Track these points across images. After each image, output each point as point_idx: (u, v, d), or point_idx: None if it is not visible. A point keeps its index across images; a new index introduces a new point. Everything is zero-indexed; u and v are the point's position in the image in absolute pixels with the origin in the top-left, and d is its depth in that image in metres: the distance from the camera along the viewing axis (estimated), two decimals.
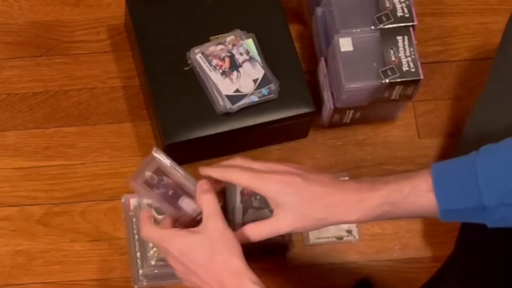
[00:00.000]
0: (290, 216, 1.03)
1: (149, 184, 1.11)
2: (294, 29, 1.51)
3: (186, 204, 1.10)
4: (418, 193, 0.98)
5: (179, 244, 1.04)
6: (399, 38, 1.37)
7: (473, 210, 0.96)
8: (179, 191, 1.11)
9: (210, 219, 1.03)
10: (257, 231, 1.05)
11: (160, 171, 1.12)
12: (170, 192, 1.11)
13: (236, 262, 1.01)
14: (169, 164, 1.11)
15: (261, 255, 1.40)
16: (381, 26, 1.38)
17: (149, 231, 1.08)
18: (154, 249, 1.34)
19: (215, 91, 1.37)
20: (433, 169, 0.99)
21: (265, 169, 1.06)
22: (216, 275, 1.01)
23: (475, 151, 0.99)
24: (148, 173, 1.11)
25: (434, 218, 1.00)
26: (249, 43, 1.40)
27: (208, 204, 1.04)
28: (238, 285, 1.00)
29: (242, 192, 1.39)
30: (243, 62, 1.39)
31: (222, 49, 1.39)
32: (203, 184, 1.07)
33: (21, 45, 1.52)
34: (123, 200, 1.41)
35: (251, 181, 1.05)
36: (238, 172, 1.05)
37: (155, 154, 1.12)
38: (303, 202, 1.03)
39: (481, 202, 0.95)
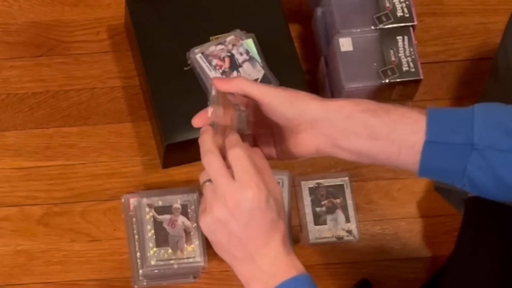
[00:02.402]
0: (278, 97, 0.96)
1: None
2: (294, 29, 1.51)
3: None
4: (411, 109, 0.92)
5: (237, 197, 0.89)
6: (399, 38, 1.37)
7: (460, 147, 0.89)
8: None
9: (244, 185, 0.89)
10: (243, 83, 0.96)
11: None
12: None
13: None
14: None
15: None
16: (381, 26, 1.38)
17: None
18: (154, 249, 1.34)
19: None
20: (427, 107, 0.93)
21: None
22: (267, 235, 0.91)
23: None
24: None
25: (409, 158, 0.92)
26: (249, 43, 1.40)
27: (239, 164, 0.90)
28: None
29: None
30: (243, 62, 1.39)
31: (222, 49, 1.39)
32: (232, 137, 0.93)
33: (21, 45, 1.51)
34: (123, 200, 1.41)
35: (243, 79, 0.98)
36: (234, 78, 1.01)
37: None
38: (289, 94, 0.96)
39: (471, 139, 0.89)
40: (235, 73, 1.38)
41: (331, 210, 1.44)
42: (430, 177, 0.94)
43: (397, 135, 0.92)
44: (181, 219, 1.36)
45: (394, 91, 1.38)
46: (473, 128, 0.89)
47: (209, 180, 0.92)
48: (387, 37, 1.37)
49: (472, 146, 0.89)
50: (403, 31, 1.38)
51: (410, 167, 0.93)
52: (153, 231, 1.35)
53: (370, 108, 0.92)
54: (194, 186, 1.39)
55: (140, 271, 1.36)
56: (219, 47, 1.40)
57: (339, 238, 1.43)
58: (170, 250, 1.34)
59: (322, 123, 0.94)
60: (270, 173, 0.93)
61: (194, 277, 1.38)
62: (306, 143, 0.96)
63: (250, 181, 0.89)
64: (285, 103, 0.95)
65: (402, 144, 0.92)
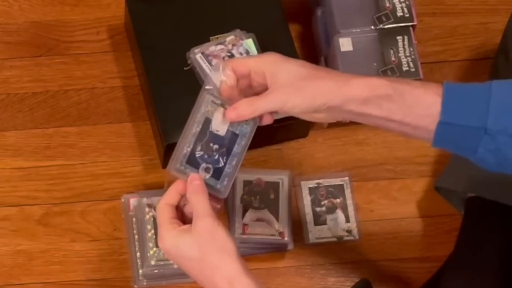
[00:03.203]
0: (287, 85, 0.96)
1: None
2: (294, 29, 1.51)
3: None
4: (427, 90, 0.91)
5: (166, 242, 0.98)
6: (399, 38, 1.37)
7: (472, 130, 0.89)
8: None
9: (199, 219, 0.96)
10: (251, 105, 0.98)
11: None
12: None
13: (229, 264, 0.95)
14: None
15: (261, 255, 1.40)
16: (381, 26, 1.38)
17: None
18: (154, 249, 1.34)
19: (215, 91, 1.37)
20: (445, 82, 0.92)
21: None
22: (208, 278, 0.95)
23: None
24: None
25: (424, 133, 0.92)
26: (249, 43, 1.40)
27: (197, 202, 0.97)
28: None
29: (242, 195, 1.40)
30: None
31: (222, 49, 1.39)
32: (193, 180, 0.99)
33: (21, 45, 1.52)
34: (123, 200, 1.41)
35: (252, 58, 1.01)
36: (236, 59, 1.02)
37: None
38: (302, 70, 0.97)
39: (485, 123, 0.89)
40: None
41: (331, 210, 1.44)
42: (444, 149, 0.95)
43: (411, 119, 0.92)
44: None
45: None
46: (488, 112, 0.89)
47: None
48: (387, 37, 1.37)
49: (485, 130, 0.89)
50: (403, 31, 1.38)
51: (424, 140, 0.94)
52: (153, 231, 1.35)
53: (386, 93, 0.93)
54: None
55: (140, 271, 1.36)
56: (219, 47, 1.40)
57: (339, 238, 1.43)
58: None
59: (337, 109, 0.95)
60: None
61: None
62: (319, 119, 0.99)
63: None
64: (297, 98, 0.96)
65: (416, 126, 0.92)
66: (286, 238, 1.38)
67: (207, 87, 1.01)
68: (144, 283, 1.36)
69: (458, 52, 1.56)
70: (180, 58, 1.39)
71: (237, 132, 0.99)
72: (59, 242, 1.41)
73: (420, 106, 0.91)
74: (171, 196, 1.00)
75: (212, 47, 1.39)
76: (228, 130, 0.99)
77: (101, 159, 1.46)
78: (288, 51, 1.42)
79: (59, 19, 1.54)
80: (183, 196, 0.99)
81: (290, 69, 0.96)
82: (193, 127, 0.98)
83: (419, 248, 1.44)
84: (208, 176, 0.98)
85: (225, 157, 0.98)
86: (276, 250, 1.41)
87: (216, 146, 0.98)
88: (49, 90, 1.49)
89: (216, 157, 0.98)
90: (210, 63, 1.38)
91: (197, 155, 0.98)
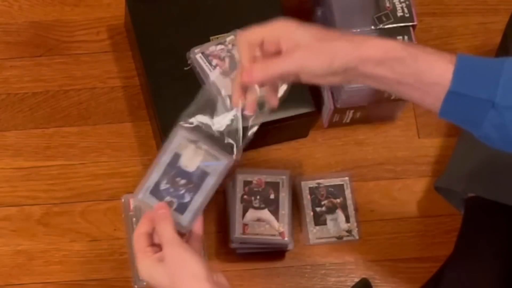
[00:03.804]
0: (304, 47, 0.94)
1: None
2: None
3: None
4: (440, 57, 0.91)
5: (143, 272, 0.99)
6: (399, 38, 1.37)
7: (480, 102, 0.89)
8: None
9: (166, 248, 0.96)
10: (265, 68, 0.96)
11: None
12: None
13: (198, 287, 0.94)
14: None
15: (261, 255, 1.40)
16: (381, 26, 1.38)
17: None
18: None
19: (215, 91, 1.37)
20: (458, 53, 0.92)
21: None
22: None
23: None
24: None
25: (432, 100, 0.92)
26: None
27: (164, 232, 0.97)
28: None
29: (242, 195, 1.40)
30: None
31: (222, 49, 1.39)
32: (159, 209, 0.99)
33: (21, 45, 1.52)
34: (123, 200, 1.41)
35: (262, 28, 0.97)
36: (247, 31, 0.98)
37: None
38: (317, 32, 0.94)
39: (493, 97, 0.88)
40: (235, 73, 1.38)
41: (331, 210, 1.44)
42: (449, 121, 0.94)
43: (423, 84, 0.92)
44: None
45: None
46: (498, 86, 0.88)
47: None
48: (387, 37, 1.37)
49: (492, 104, 0.88)
50: (403, 31, 1.38)
51: (431, 108, 0.93)
52: None
53: (400, 56, 0.92)
54: None
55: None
56: (219, 47, 1.40)
57: (339, 238, 1.43)
58: None
59: (353, 71, 0.94)
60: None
61: None
62: (333, 82, 0.97)
63: None
64: (316, 60, 0.94)
65: (426, 92, 0.92)
66: (286, 238, 1.38)
67: (182, 123, 1.00)
68: (144, 283, 1.36)
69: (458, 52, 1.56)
70: (180, 58, 1.39)
71: (208, 170, 0.98)
72: (59, 242, 1.41)
73: (432, 72, 0.91)
74: (144, 225, 1.00)
75: (212, 47, 1.39)
76: (198, 167, 0.99)
77: (101, 159, 1.46)
78: None
79: (59, 19, 1.54)
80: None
81: (306, 31, 0.94)
82: (161, 160, 0.99)
83: (419, 248, 1.44)
84: (171, 210, 0.98)
85: (192, 193, 0.98)
86: (276, 250, 1.41)
87: (183, 181, 0.99)
88: (49, 90, 1.49)
89: (182, 192, 0.98)
90: (210, 63, 1.38)
91: (162, 188, 0.98)
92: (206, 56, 1.39)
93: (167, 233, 0.97)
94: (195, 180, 0.98)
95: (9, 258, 1.39)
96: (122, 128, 1.48)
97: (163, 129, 1.37)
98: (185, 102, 1.38)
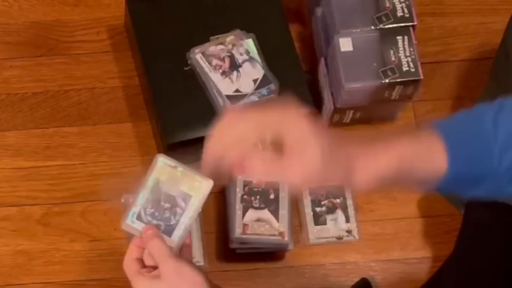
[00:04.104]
0: (310, 166, 0.83)
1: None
2: (294, 29, 1.51)
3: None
4: (432, 169, 0.87)
5: None
6: (399, 38, 1.37)
7: (479, 175, 0.87)
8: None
9: (161, 264, 0.98)
10: (267, 172, 0.85)
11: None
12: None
13: None
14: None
15: (261, 255, 1.40)
16: (381, 26, 1.38)
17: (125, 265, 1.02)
18: None
19: (215, 91, 1.37)
20: (439, 127, 0.87)
21: None
22: None
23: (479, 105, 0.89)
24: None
25: (428, 186, 0.89)
26: (249, 43, 1.40)
27: (155, 249, 0.99)
28: None
29: (242, 195, 1.40)
30: (243, 62, 1.39)
31: (222, 49, 1.39)
32: (147, 230, 1.00)
33: (21, 45, 1.52)
34: (123, 200, 1.41)
35: (276, 117, 0.85)
36: (256, 114, 0.86)
37: None
38: (327, 144, 0.84)
39: (491, 169, 0.86)
40: (235, 73, 1.38)
41: (331, 210, 1.44)
42: None
43: (419, 185, 0.90)
44: None
45: (394, 91, 1.38)
46: (492, 158, 0.86)
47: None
48: (387, 37, 1.37)
49: (492, 172, 0.87)
50: (403, 31, 1.38)
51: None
52: None
53: (394, 178, 0.88)
54: None
55: None
56: (219, 47, 1.40)
57: (339, 238, 1.43)
58: None
59: None
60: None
61: None
62: None
63: None
64: (320, 181, 0.87)
65: (424, 186, 0.91)
66: (286, 238, 1.38)
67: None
68: None
69: (458, 52, 1.56)
70: (180, 58, 1.39)
71: (191, 193, 1.01)
72: (59, 242, 1.41)
73: (428, 179, 0.88)
74: (132, 251, 1.01)
75: (212, 47, 1.39)
76: (181, 190, 1.01)
77: (101, 159, 1.46)
78: (288, 51, 1.42)
79: (59, 19, 1.54)
80: (144, 249, 1.01)
81: (318, 142, 0.84)
82: (145, 186, 1.01)
83: (419, 248, 1.44)
84: (159, 232, 1.01)
85: (177, 215, 1.01)
86: (276, 250, 1.41)
87: (167, 205, 1.01)
88: (49, 90, 1.49)
89: (168, 215, 1.01)
90: (210, 63, 1.38)
91: (147, 213, 1.01)
92: (206, 56, 1.39)
93: (159, 249, 0.98)
94: (179, 202, 1.01)
95: (9, 258, 1.39)
96: (122, 128, 1.48)
97: (163, 129, 1.37)
98: (185, 102, 1.38)
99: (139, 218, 1.01)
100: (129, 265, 1.01)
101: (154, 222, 1.01)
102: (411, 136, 0.90)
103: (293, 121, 0.84)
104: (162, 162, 1.02)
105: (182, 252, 1.02)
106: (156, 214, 1.01)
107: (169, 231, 1.01)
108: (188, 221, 1.01)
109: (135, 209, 1.02)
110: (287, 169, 0.84)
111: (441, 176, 0.87)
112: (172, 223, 1.01)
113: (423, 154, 0.88)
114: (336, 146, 0.85)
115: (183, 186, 1.01)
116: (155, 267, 1.00)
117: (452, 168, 0.87)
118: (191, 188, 1.01)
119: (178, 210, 1.02)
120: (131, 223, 1.01)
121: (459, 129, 0.88)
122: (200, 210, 1.01)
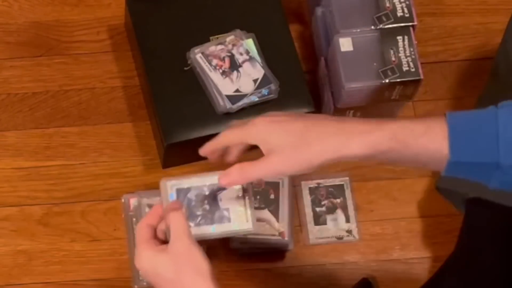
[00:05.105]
0: (280, 153, 0.94)
1: None
2: (294, 29, 1.51)
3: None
4: (432, 136, 0.90)
5: (144, 263, 0.98)
6: (399, 38, 1.37)
7: (484, 166, 0.88)
8: None
9: (174, 239, 0.96)
10: (243, 174, 0.98)
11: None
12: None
13: (202, 284, 0.96)
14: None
15: (261, 255, 1.40)
16: (381, 26, 1.38)
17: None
18: None
19: (215, 91, 1.37)
20: (448, 116, 0.90)
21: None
22: None
23: (494, 105, 0.91)
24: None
25: (435, 168, 0.92)
26: (249, 43, 1.40)
27: (176, 222, 0.97)
28: None
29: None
30: (243, 62, 1.39)
31: (222, 49, 1.39)
32: (175, 203, 1.00)
33: (21, 45, 1.52)
34: (123, 200, 1.41)
35: (240, 132, 0.99)
36: (227, 132, 1.00)
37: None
38: (293, 134, 0.94)
39: (496, 159, 0.87)
40: (235, 73, 1.38)
41: (331, 210, 1.44)
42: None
43: (421, 163, 0.93)
44: None
45: (394, 91, 1.38)
46: (498, 148, 0.88)
47: None
48: (387, 37, 1.37)
49: (497, 165, 0.88)
50: (403, 31, 1.38)
51: (437, 170, 0.93)
52: None
53: (389, 148, 0.91)
54: None
55: (140, 271, 1.36)
56: (219, 47, 1.40)
57: (339, 238, 1.43)
58: None
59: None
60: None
61: None
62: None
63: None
64: (294, 166, 0.95)
65: (427, 164, 0.93)
66: (286, 238, 1.38)
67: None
68: (144, 283, 1.36)
69: (458, 52, 1.56)
70: (180, 58, 1.39)
71: (231, 217, 1.02)
72: (59, 242, 1.41)
73: (427, 152, 0.91)
74: (151, 217, 1.01)
75: (212, 47, 1.39)
76: (228, 209, 1.02)
77: (101, 159, 1.46)
78: (288, 51, 1.42)
79: (59, 19, 1.54)
80: (162, 219, 1.00)
81: (280, 136, 0.95)
82: (208, 178, 1.01)
83: (419, 248, 1.44)
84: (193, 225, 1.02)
85: (207, 220, 1.02)
86: (276, 250, 1.41)
87: (206, 207, 1.01)
88: (49, 90, 1.49)
89: (199, 213, 1.01)
90: (210, 63, 1.38)
91: (188, 196, 1.01)
92: (206, 56, 1.39)
93: (179, 223, 0.97)
94: (216, 216, 1.01)
95: (9, 258, 1.39)
96: (122, 128, 1.48)
97: (163, 129, 1.37)
98: (185, 102, 1.38)
99: (178, 192, 1.00)
100: (142, 229, 0.99)
101: (184, 207, 1.00)
102: (411, 118, 0.94)
103: (254, 128, 0.97)
104: (239, 186, 1.02)
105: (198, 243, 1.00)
106: (192, 204, 1.00)
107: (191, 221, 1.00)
108: (211, 235, 1.01)
109: (183, 183, 1.00)
110: (260, 167, 0.96)
111: (444, 158, 0.89)
112: (199, 221, 1.01)
113: (420, 132, 0.91)
114: (312, 126, 0.94)
115: (233, 208, 1.01)
116: (163, 242, 0.98)
117: (453, 151, 0.89)
118: (236, 217, 1.01)
119: (209, 220, 1.01)
120: (169, 189, 1.00)
121: (466, 117, 0.90)
122: (221, 237, 1.02)
